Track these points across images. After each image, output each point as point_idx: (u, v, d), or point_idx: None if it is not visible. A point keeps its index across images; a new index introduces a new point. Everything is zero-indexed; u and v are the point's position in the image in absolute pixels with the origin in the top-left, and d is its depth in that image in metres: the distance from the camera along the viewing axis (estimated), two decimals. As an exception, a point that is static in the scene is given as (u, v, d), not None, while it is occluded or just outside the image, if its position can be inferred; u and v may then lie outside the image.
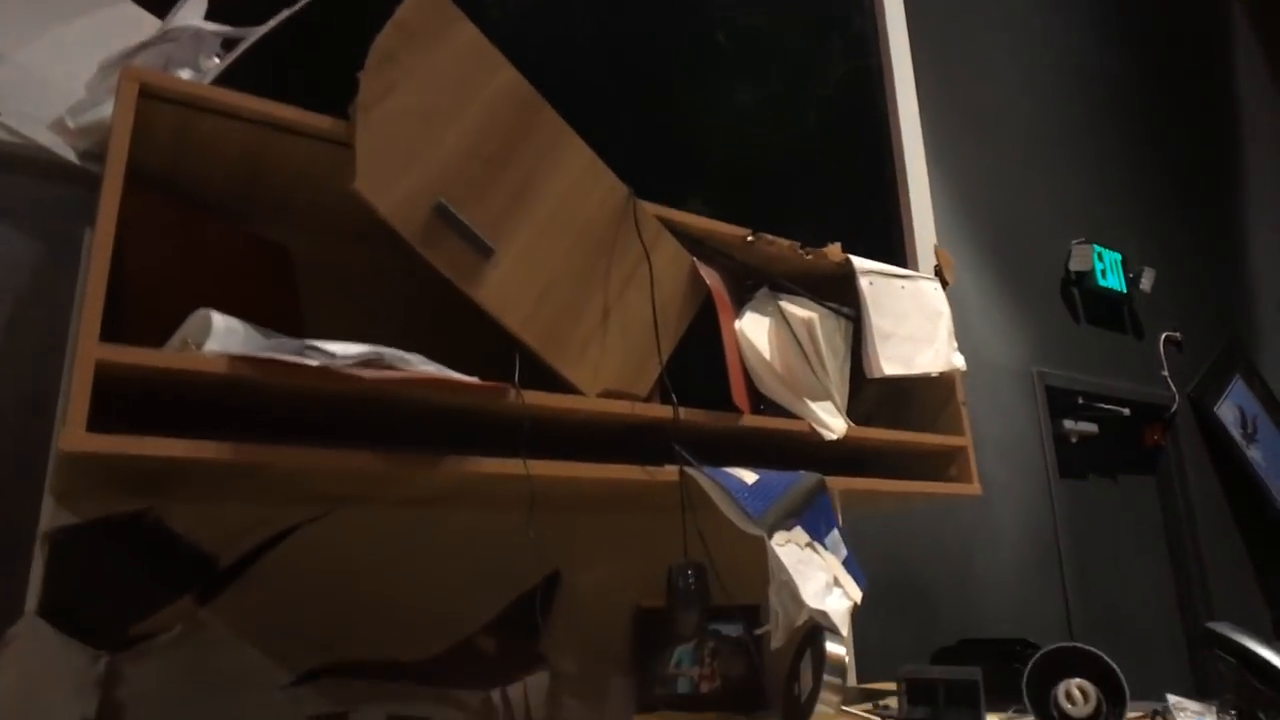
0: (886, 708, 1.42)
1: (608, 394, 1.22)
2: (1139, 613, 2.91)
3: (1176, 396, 3.24)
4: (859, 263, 1.61)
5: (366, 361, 0.93)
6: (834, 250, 1.58)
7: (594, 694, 1.48)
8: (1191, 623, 3.02)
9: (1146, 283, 3.19)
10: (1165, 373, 3.26)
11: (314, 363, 0.89)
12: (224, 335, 0.98)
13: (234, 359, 0.93)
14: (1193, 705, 1.06)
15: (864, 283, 1.59)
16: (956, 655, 1.41)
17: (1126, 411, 2.98)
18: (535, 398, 1.13)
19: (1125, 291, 3.13)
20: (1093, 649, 1.11)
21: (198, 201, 1.21)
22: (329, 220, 1.30)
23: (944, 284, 1.77)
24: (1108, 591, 2.81)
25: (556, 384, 1.18)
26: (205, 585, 1.20)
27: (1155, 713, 1.06)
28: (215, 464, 0.94)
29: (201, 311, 0.99)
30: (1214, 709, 1.07)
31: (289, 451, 0.95)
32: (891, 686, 1.71)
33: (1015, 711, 1.28)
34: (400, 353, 0.98)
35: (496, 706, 1.35)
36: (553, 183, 1.20)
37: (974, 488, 1.66)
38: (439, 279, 1.13)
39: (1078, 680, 1.08)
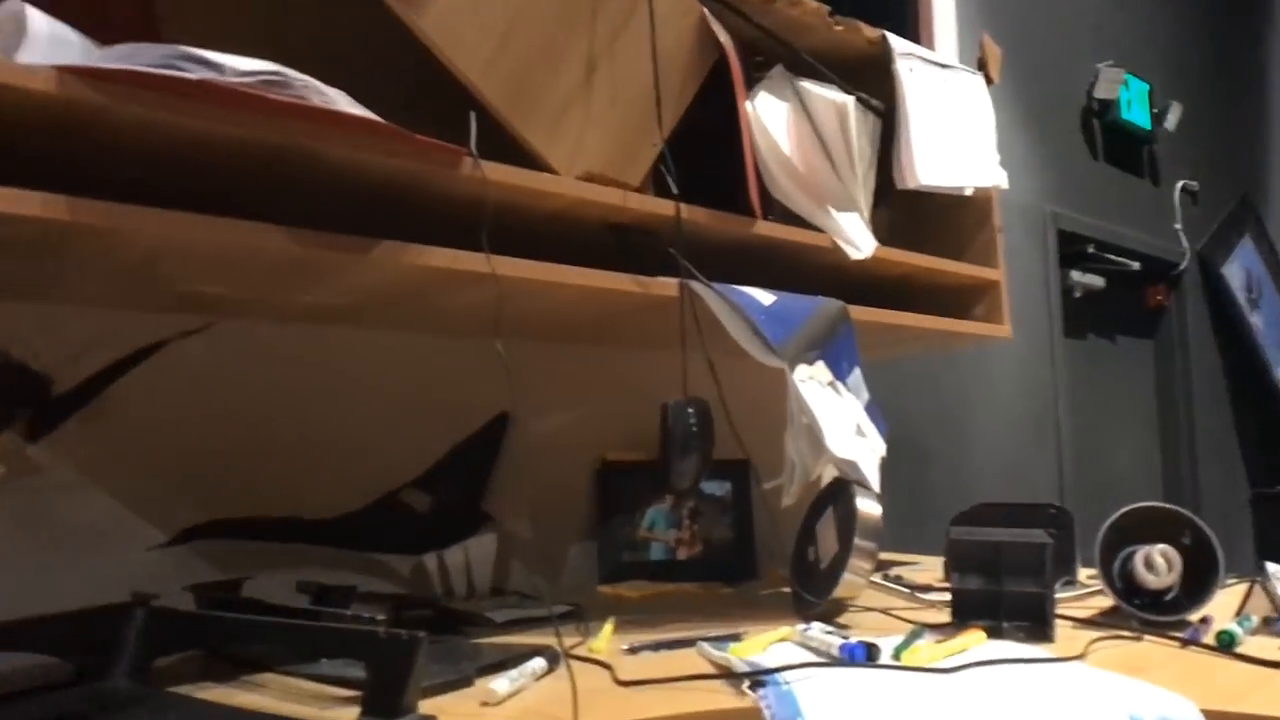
0: (898, 579, 1.36)
1: (590, 178, 1.03)
2: (1124, 481, 2.97)
3: (1187, 252, 3.22)
4: (896, 43, 1.42)
5: (268, 82, 0.70)
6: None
7: (550, 561, 1.40)
8: (1174, 494, 3.11)
9: (1172, 119, 3.10)
10: (1178, 225, 3.23)
11: (193, 75, 0.67)
12: (47, 43, 0.74)
13: (65, 73, 0.70)
14: (1296, 576, 1.00)
15: (903, 68, 1.41)
16: (975, 521, 1.33)
17: (1136, 265, 2.95)
18: (499, 173, 0.94)
19: (1149, 129, 3.04)
20: (1182, 510, 1.03)
21: None
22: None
23: (988, 82, 1.60)
24: (1097, 458, 2.85)
25: (524, 163, 0.99)
26: (36, 415, 1.00)
27: (1255, 581, 0.99)
28: (45, 228, 0.72)
29: (10, 3, 0.74)
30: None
31: (157, 216, 0.74)
32: (890, 557, 1.65)
33: (1064, 584, 1.22)
34: (314, 81, 0.76)
35: (432, 574, 1.25)
36: (524, -128, 0.96)
37: (1004, 330, 1.56)
38: (359, 17, 0.89)
39: (1162, 547, 1.00)
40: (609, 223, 1.08)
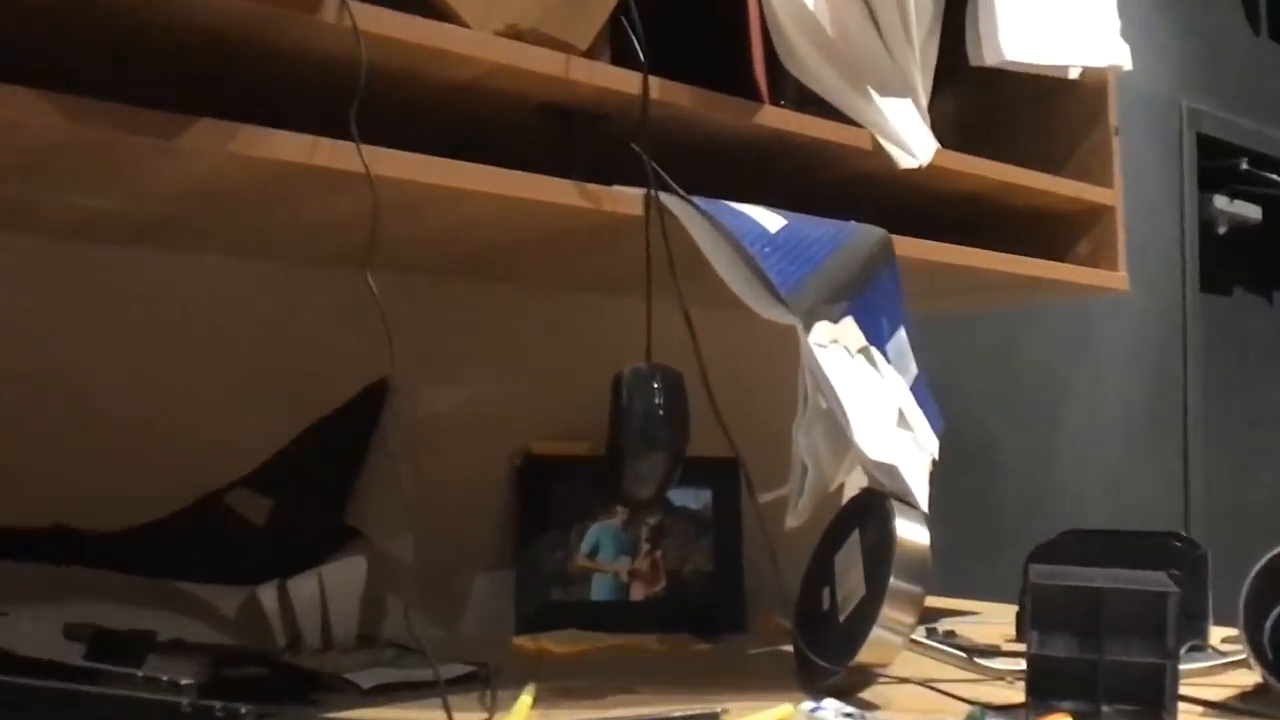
0: (950, 634, 1.39)
1: (516, 35, 1.04)
2: (1274, 507, 3.03)
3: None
4: None
5: None
6: None
7: (445, 598, 1.43)
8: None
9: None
10: (1371, 133, 3.28)
11: None
12: None
13: None
14: None
15: (984, -111, 1.42)
16: (1065, 556, 1.36)
17: (1308, 191, 2.99)
18: (377, 22, 0.94)
19: (1334, -10, 3.08)
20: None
21: None
22: None
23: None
24: (1241, 469, 2.91)
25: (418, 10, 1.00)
26: None
27: None
28: None
29: None
30: None
31: None
32: (939, 604, 1.68)
33: (1191, 649, 1.24)
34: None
35: (270, 614, 1.27)
36: None
37: (1118, 278, 1.61)
38: None
39: (1331, 601, 1.02)
40: (543, 102, 1.10)
